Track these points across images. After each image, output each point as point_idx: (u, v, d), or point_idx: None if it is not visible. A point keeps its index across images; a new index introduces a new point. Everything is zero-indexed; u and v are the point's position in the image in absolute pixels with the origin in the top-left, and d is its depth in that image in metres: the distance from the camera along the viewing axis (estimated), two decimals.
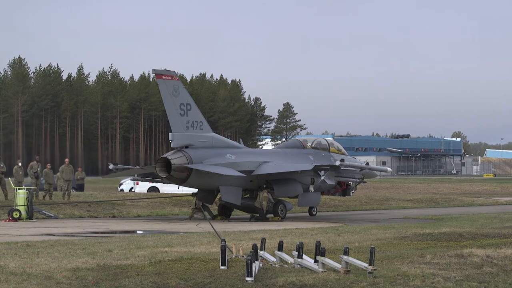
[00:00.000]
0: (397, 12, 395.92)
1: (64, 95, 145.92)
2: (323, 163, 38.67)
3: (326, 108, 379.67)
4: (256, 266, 15.77)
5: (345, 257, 15.72)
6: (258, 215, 36.60)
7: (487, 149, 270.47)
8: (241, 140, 43.69)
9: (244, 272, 15.14)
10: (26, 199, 35.32)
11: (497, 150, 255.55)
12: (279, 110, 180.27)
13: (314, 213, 39.76)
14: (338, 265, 15.79)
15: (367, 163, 51.60)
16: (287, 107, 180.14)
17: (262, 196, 36.22)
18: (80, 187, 51.58)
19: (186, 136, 35.66)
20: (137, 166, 52.02)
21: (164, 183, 41.61)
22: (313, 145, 40.60)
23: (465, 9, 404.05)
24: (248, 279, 14.93)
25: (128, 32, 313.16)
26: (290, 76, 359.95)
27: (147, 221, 35.95)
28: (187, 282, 14.99)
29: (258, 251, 17.05)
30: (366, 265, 15.35)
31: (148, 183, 49.24)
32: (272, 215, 37.03)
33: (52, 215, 37.19)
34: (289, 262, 17.12)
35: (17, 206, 35.20)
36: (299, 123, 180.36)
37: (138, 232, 30.09)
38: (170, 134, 35.58)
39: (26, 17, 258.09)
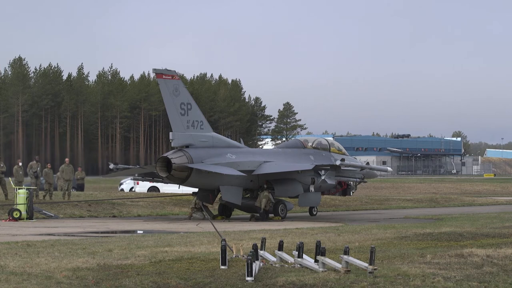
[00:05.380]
0: (397, 12, 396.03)
1: (64, 95, 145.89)
2: (323, 163, 38.65)
3: (327, 108, 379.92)
4: (256, 266, 15.76)
5: (345, 256, 15.71)
6: (258, 214, 36.60)
7: (487, 149, 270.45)
8: (241, 140, 43.67)
9: (244, 272, 15.13)
10: (26, 198, 35.32)
11: (498, 149, 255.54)
12: (279, 110, 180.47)
13: (314, 213, 39.75)
14: (338, 265, 15.78)
15: (368, 163, 51.67)
16: (287, 107, 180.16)
17: (262, 195, 36.21)
18: (80, 187, 51.58)
19: (187, 135, 35.66)
20: (137, 166, 51.96)
21: (164, 182, 41.61)
22: (313, 145, 40.57)
23: (465, 10, 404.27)
24: (249, 279, 14.92)
25: (128, 31, 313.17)
26: (290, 76, 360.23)
27: (147, 221, 35.94)
28: (187, 282, 14.98)
29: (259, 250, 17.04)
30: (366, 265, 15.34)
31: (148, 182, 49.25)
32: (272, 215, 37.03)
33: (52, 215, 37.20)
34: (290, 262, 17.11)
35: (17, 205, 35.20)
36: (299, 123, 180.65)
37: (138, 232, 30.08)
38: (170, 133, 35.57)
39: (26, 16, 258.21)
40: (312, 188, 37.65)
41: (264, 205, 36.19)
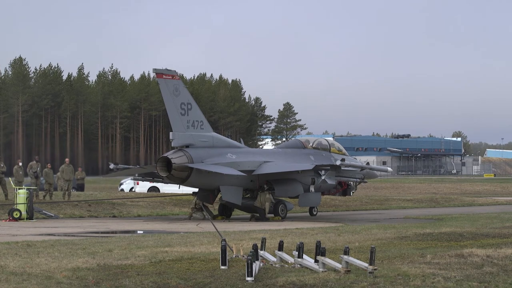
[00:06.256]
0: (397, 14, 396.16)
1: (64, 95, 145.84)
2: (323, 163, 38.65)
3: (327, 108, 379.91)
4: (256, 266, 15.75)
5: (345, 257, 15.71)
6: (258, 214, 36.63)
7: (487, 149, 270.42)
8: (241, 140, 43.67)
9: (245, 272, 15.13)
10: (26, 199, 35.32)
11: (498, 150, 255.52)
12: (279, 110, 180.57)
13: (314, 213, 39.76)
14: (338, 265, 15.78)
15: (368, 163, 51.64)
16: (288, 107, 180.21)
17: (264, 197, 36.23)
18: (80, 187, 51.59)
19: (187, 135, 35.67)
20: (137, 166, 51.97)
21: (164, 182, 41.60)
22: (314, 145, 40.58)
23: (465, 10, 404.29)
24: (249, 279, 14.92)
25: (128, 31, 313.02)
26: (290, 76, 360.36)
27: (147, 221, 35.94)
28: (187, 282, 14.98)
29: (259, 251, 17.04)
30: (366, 265, 15.34)
31: (148, 183, 49.23)
32: (272, 215, 37.04)
33: (52, 215, 37.19)
34: (290, 262, 17.11)
35: (17, 205, 35.19)
36: (299, 123, 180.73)
37: (138, 232, 30.08)
38: (170, 133, 35.57)
39: (26, 16, 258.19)
40: (312, 188, 37.65)
41: (268, 208, 36.26)
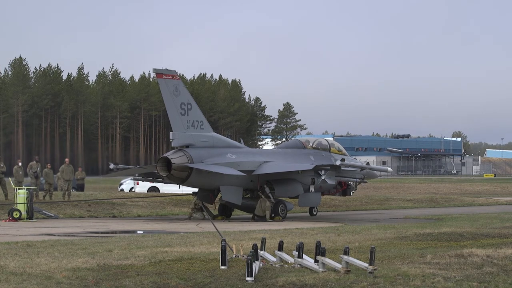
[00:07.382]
0: (397, 14, 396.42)
1: (64, 95, 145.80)
2: (323, 163, 38.65)
3: (327, 108, 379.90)
4: (256, 266, 15.76)
5: (345, 257, 15.71)
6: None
7: (487, 149, 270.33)
8: (241, 140, 43.66)
9: (244, 272, 15.13)
10: (26, 199, 35.32)
11: (498, 150, 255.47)
12: (279, 110, 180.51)
13: (314, 213, 39.77)
14: (338, 265, 15.78)
15: (368, 163, 51.64)
16: (287, 107, 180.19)
17: (265, 205, 36.24)
18: (80, 187, 51.57)
19: (187, 135, 35.68)
20: (137, 166, 51.93)
21: (164, 182, 41.60)
22: (313, 146, 40.59)
23: (463, 11, 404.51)
24: (248, 279, 14.92)
25: (128, 31, 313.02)
26: (290, 76, 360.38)
27: (147, 221, 35.95)
28: (187, 282, 14.98)
29: (259, 251, 17.04)
30: (366, 265, 15.34)
31: (148, 183, 49.21)
32: (272, 215, 37.04)
33: (52, 215, 37.19)
34: (290, 262, 17.11)
35: (17, 206, 35.19)
36: (299, 123, 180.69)
37: (138, 232, 30.08)
38: (170, 133, 35.59)
39: (26, 16, 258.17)
40: (312, 188, 37.65)
41: (269, 214, 36.30)
